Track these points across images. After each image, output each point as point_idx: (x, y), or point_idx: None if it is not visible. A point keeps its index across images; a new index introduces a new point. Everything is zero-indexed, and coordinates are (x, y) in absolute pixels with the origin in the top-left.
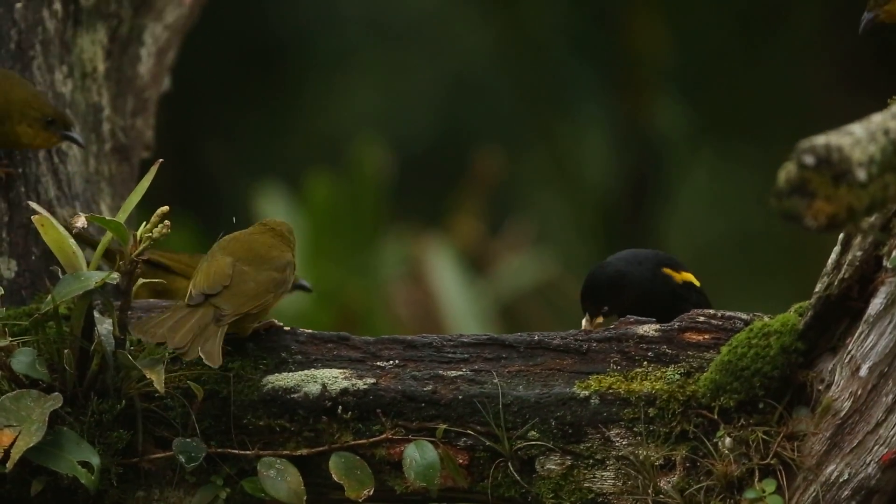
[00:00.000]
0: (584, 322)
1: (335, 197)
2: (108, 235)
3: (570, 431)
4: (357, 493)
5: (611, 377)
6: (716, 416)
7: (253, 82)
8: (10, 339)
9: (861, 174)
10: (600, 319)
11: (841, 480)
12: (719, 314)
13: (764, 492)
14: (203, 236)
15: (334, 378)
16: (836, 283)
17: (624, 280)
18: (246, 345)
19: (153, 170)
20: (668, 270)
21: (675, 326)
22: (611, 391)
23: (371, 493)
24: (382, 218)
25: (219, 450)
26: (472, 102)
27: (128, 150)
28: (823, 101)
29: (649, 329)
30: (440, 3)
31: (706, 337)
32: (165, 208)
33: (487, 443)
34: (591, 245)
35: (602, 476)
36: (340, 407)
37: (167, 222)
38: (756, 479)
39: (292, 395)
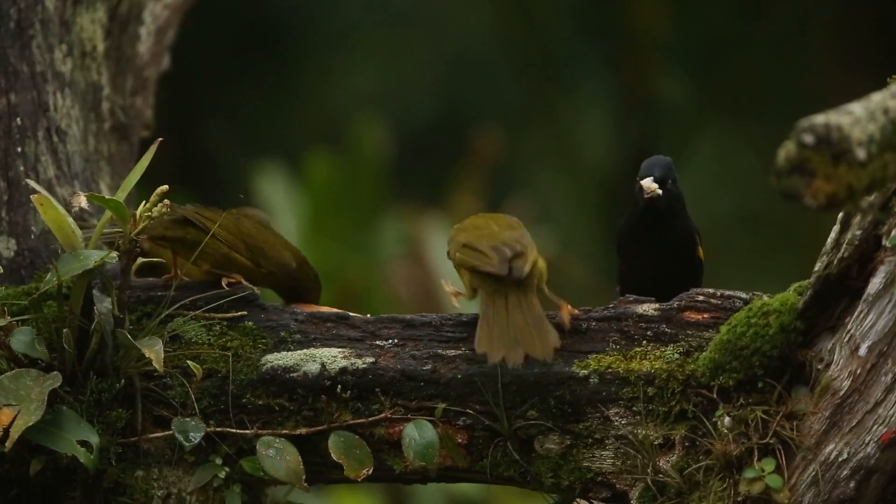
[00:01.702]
0: (647, 182)
1: (335, 176)
2: (108, 214)
3: (569, 411)
4: (356, 473)
5: (610, 356)
6: (715, 396)
7: (253, 61)
8: (10, 318)
9: (860, 153)
10: (658, 190)
11: (840, 460)
12: (718, 293)
13: (763, 471)
14: None
15: (333, 357)
16: (835, 262)
17: (678, 192)
18: (245, 323)
19: (152, 149)
20: (697, 238)
21: (675, 305)
22: (610, 370)
23: (370, 472)
24: (382, 197)
25: (218, 429)
26: (471, 81)
27: (127, 129)
28: (824, 79)
29: (648, 308)
30: None
31: (705, 316)
32: (165, 187)
33: (486, 422)
34: (592, 224)
35: (601, 455)
36: (339, 386)
37: (167, 201)
38: (755, 459)
39: (291, 375)
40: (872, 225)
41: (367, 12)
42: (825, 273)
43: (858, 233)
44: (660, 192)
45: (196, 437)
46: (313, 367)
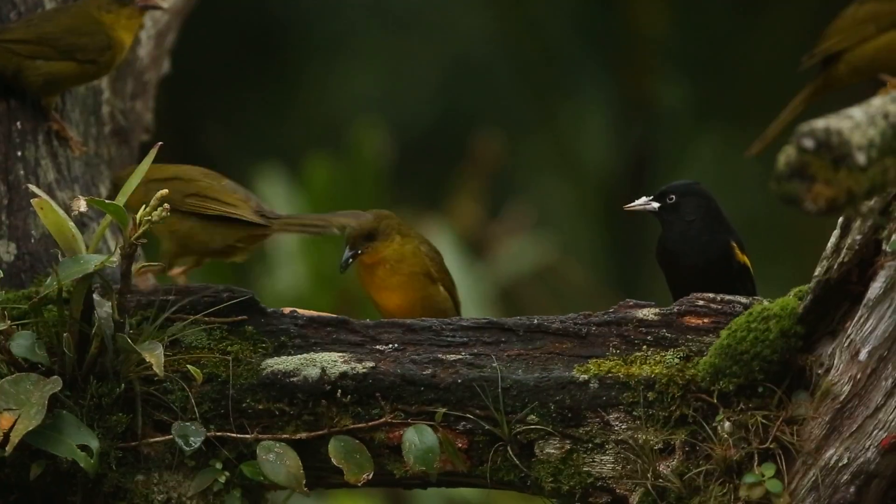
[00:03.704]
0: (639, 201)
1: (335, 180)
2: (108, 218)
3: (569, 415)
4: (356, 477)
5: (610, 361)
6: (715, 401)
7: (253, 65)
8: (10, 322)
9: (860, 158)
10: (652, 205)
11: (840, 465)
12: (718, 298)
13: (763, 476)
14: None
15: (334, 362)
16: (835, 266)
17: (698, 193)
18: (245, 328)
19: (152, 153)
20: (734, 245)
21: (675, 310)
22: (610, 375)
23: (370, 476)
24: (382, 201)
25: (218, 433)
26: (471, 85)
27: (127, 132)
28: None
29: (649, 313)
30: None
31: (706, 321)
32: (165, 191)
33: (486, 427)
34: (592, 228)
35: (601, 460)
36: (340, 391)
37: (166, 206)
38: (755, 464)
39: (291, 379)
40: (872, 229)
41: (367, 16)
42: (825, 278)
43: (858, 237)
44: (650, 206)
45: (196, 441)
46: (313, 372)
